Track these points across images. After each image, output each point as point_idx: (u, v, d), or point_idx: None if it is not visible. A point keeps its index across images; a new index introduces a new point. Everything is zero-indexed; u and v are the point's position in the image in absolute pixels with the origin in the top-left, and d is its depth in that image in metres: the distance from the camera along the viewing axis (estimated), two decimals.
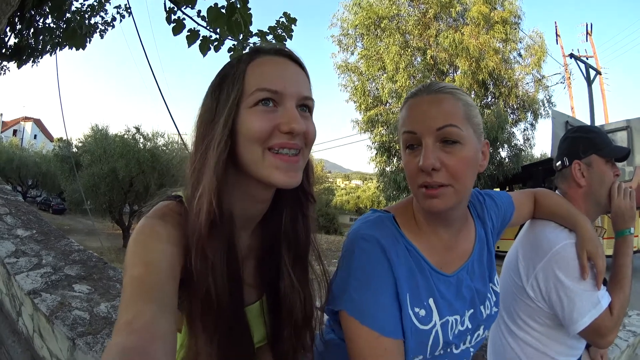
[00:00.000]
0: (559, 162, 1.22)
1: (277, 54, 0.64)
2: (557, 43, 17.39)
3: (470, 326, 0.82)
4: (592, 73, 15.41)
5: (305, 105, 0.64)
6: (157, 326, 0.45)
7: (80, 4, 4.46)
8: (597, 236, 1.02)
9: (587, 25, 17.90)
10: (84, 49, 4.53)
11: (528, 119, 13.77)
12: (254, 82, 0.60)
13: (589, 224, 1.04)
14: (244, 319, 0.66)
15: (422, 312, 0.74)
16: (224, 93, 0.61)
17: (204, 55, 3.13)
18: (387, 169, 13.31)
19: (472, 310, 0.82)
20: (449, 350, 0.79)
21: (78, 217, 19.15)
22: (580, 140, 1.19)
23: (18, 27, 4.45)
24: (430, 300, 0.76)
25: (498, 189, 14.50)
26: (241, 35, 2.97)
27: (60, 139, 18.87)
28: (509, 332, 1.17)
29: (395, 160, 12.95)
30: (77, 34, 4.27)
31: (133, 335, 0.43)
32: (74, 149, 16.91)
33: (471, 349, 0.85)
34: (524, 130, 13.91)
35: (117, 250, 13.69)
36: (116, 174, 13.99)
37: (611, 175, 1.16)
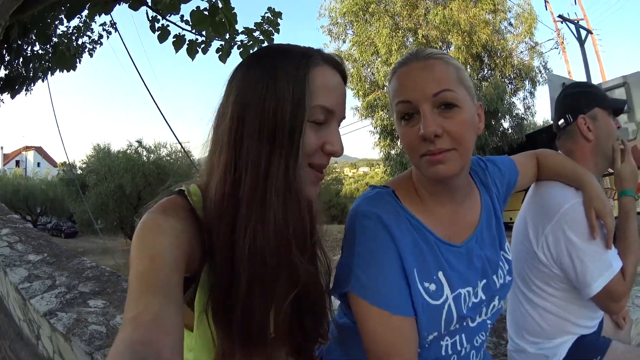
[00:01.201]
0: (562, 120, 1.18)
1: (335, 66, 0.63)
2: (546, 9, 17.29)
3: (484, 297, 0.79)
4: (584, 33, 15.31)
5: (341, 120, 0.65)
6: (164, 319, 0.45)
7: (66, 27, 4.44)
8: (604, 193, 1.00)
9: None
10: (74, 69, 4.52)
11: (526, 88, 13.75)
12: (316, 95, 0.58)
13: (595, 181, 1.02)
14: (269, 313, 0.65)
15: (433, 287, 0.72)
16: (286, 90, 0.57)
17: (192, 59, 3.16)
18: (392, 152, 13.29)
19: (484, 281, 0.80)
20: (464, 324, 0.77)
21: (91, 238, 19.25)
22: (582, 95, 1.17)
23: (7, 58, 4.44)
24: (440, 274, 0.74)
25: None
26: (227, 34, 2.97)
27: (63, 163, 18.99)
28: (527, 300, 1.15)
29: (399, 143, 12.92)
30: (65, 56, 4.27)
31: (140, 329, 0.43)
32: (79, 171, 17.03)
33: (488, 321, 0.83)
34: (524, 99, 13.91)
35: None
36: (123, 189, 14.11)
37: (614, 127, 1.15)
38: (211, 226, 0.58)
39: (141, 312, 0.45)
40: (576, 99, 1.18)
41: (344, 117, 0.64)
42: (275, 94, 0.57)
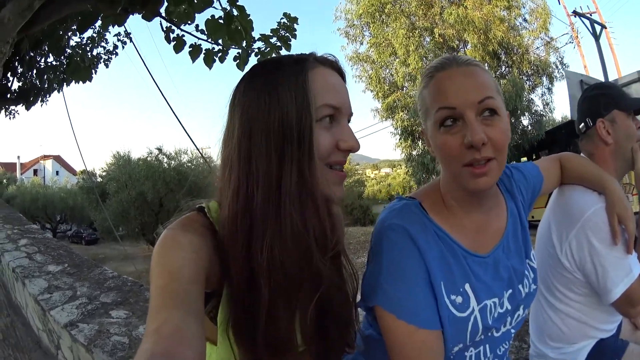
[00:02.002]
0: (582, 124, 1.19)
1: (333, 66, 0.64)
2: (559, 3, 17.11)
3: (509, 307, 0.78)
4: (598, 28, 15.13)
5: (349, 116, 0.65)
6: (185, 331, 0.46)
7: (80, 37, 4.43)
8: (625, 198, 1.00)
9: None
10: (90, 80, 4.47)
11: (544, 84, 13.68)
12: (319, 96, 0.59)
13: (617, 185, 1.02)
14: (294, 325, 0.65)
15: (459, 299, 0.71)
16: (288, 99, 0.58)
17: (210, 68, 3.13)
18: (414, 153, 13.31)
19: (510, 291, 0.79)
20: (489, 334, 0.77)
21: (112, 245, 19.51)
22: (599, 98, 1.17)
23: (19, 70, 4.44)
24: (467, 286, 0.73)
25: (525, 158, 14.36)
26: (244, 42, 2.95)
27: (83, 171, 19.28)
28: (549, 306, 1.15)
29: (420, 144, 12.93)
30: (80, 67, 4.22)
31: (161, 341, 0.44)
32: (99, 179, 17.28)
33: (512, 330, 0.82)
34: (542, 95, 13.84)
35: None
36: (144, 196, 14.24)
37: (634, 128, 1.14)
38: (226, 244, 0.58)
39: (162, 325, 0.45)
40: (595, 102, 1.17)
41: (351, 113, 0.64)
42: (279, 104, 0.57)
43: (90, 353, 1.89)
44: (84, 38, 4.51)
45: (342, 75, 0.65)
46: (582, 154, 1.23)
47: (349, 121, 0.64)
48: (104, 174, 17.03)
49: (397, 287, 0.68)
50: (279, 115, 0.57)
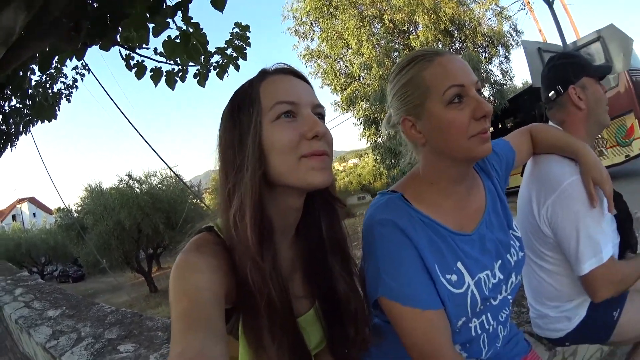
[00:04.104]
0: (552, 92, 1.21)
1: (282, 72, 0.68)
2: None
3: (502, 277, 0.84)
4: None
5: (319, 114, 0.67)
6: (208, 353, 0.46)
7: (38, 76, 4.37)
8: (600, 161, 1.03)
9: None
10: (55, 118, 4.47)
11: (500, 53, 13.76)
12: (271, 98, 0.63)
13: (590, 149, 1.05)
14: (298, 328, 0.68)
15: (454, 277, 0.77)
16: (244, 114, 0.63)
17: (173, 89, 3.12)
18: (379, 140, 13.32)
19: (500, 261, 0.84)
20: (488, 304, 0.82)
21: (99, 278, 19.20)
22: (568, 66, 1.20)
23: None
24: (459, 264, 0.78)
25: (491, 129, 14.51)
26: (202, 58, 2.94)
27: (59, 209, 18.87)
28: (541, 269, 1.18)
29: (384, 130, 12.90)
30: (44, 107, 4.22)
31: None
32: (75, 214, 16.92)
33: (509, 297, 0.88)
34: (500, 65, 13.93)
35: (145, 298, 13.76)
36: (122, 225, 13.98)
37: (602, 92, 1.19)
38: (237, 255, 0.60)
39: (185, 349, 0.46)
40: (564, 70, 1.20)
41: (315, 104, 0.67)
42: (238, 123, 0.63)
43: None
44: (43, 76, 4.44)
45: (297, 76, 0.69)
46: (550, 122, 1.25)
47: (322, 115, 0.68)
48: (79, 208, 16.64)
49: (396, 278, 0.73)
50: (237, 130, 0.63)
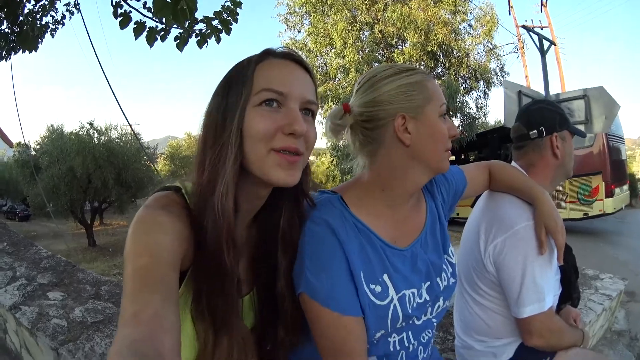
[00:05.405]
0: (534, 131, 1.21)
1: (285, 57, 0.67)
2: (509, 14, 17.65)
3: (428, 298, 0.84)
4: (547, 44, 15.73)
5: (309, 110, 0.67)
6: (165, 317, 0.45)
7: (32, 5, 4.31)
8: (556, 211, 1.02)
9: None
10: (36, 50, 4.41)
11: (480, 88, 13.99)
12: (262, 82, 0.63)
13: (548, 197, 1.05)
14: (239, 301, 0.69)
15: (378, 288, 0.77)
16: (233, 92, 0.63)
17: (151, 47, 3.13)
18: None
19: (428, 283, 0.85)
20: (410, 322, 0.82)
21: (43, 222, 18.72)
22: (556, 114, 1.21)
23: None
24: (385, 276, 0.78)
25: (453, 157, 14.73)
26: (187, 22, 2.95)
27: (19, 144, 18.31)
28: (475, 302, 1.17)
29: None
30: (29, 36, 4.14)
31: (141, 327, 0.43)
32: (33, 152, 16.48)
33: (433, 320, 0.88)
34: (477, 98, 14.14)
35: (83, 250, 13.53)
36: (74, 172, 13.70)
37: (573, 149, 1.24)
38: (200, 216, 0.60)
39: (141, 310, 0.44)
40: (552, 116, 1.21)
41: (306, 99, 0.66)
42: (227, 96, 0.63)
43: (34, 337, 1.89)
44: (36, 5, 4.36)
45: (301, 65, 0.68)
46: (514, 162, 1.25)
47: (313, 114, 0.68)
48: (37, 147, 16.23)
49: (319, 277, 0.72)
50: (223, 105, 0.63)
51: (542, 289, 1.01)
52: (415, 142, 0.80)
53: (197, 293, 0.62)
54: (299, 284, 0.74)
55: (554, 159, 1.19)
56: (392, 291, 0.78)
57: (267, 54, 0.67)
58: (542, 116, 1.22)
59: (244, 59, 0.67)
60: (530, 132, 1.22)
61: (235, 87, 0.63)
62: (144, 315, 0.44)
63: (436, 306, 0.87)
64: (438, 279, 0.87)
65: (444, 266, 0.90)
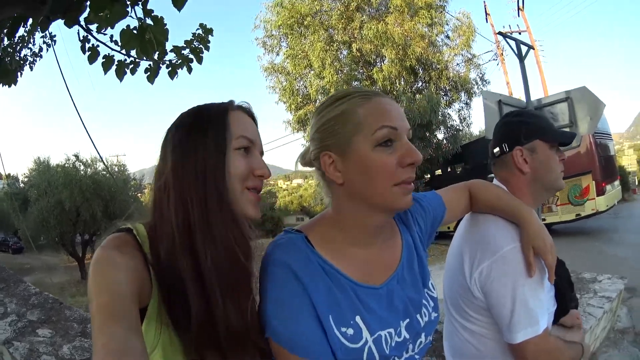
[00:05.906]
0: (497, 149, 1.15)
1: (245, 110, 0.78)
2: (487, 22, 17.80)
3: (408, 336, 0.78)
4: (525, 48, 15.82)
5: (261, 153, 0.79)
6: (131, 345, 0.50)
7: (10, 41, 4.21)
8: (544, 228, 0.96)
9: (517, 0, 18.33)
10: (15, 84, 4.28)
11: (462, 99, 14.07)
12: (238, 130, 0.72)
13: (535, 215, 0.99)
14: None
15: (350, 331, 0.71)
16: (209, 136, 0.70)
17: (121, 80, 3.08)
18: None
19: (407, 320, 0.79)
20: None
21: (35, 255, 18.63)
22: (522, 125, 1.12)
23: None
24: (357, 318, 0.73)
25: (439, 171, 14.77)
26: (156, 54, 2.89)
27: (8, 176, 18.29)
28: (464, 328, 1.11)
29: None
30: (8, 71, 4.07)
31: (111, 355, 0.48)
32: (21, 185, 16.49)
33: (416, 356, 0.82)
34: (459, 110, 14.24)
35: (76, 284, 13.45)
36: (62, 205, 13.72)
37: (556, 160, 1.12)
38: (168, 255, 0.65)
39: (109, 340, 0.49)
40: (516, 128, 1.13)
41: (262, 152, 0.78)
42: (206, 137, 0.69)
43: None
44: (15, 38, 4.28)
45: (254, 119, 0.79)
46: (495, 180, 1.18)
47: (262, 155, 0.77)
48: (26, 179, 16.25)
49: (285, 324, 0.69)
50: (203, 146, 0.68)
51: (534, 313, 0.95)
52: (347, 181, 0.73)
53: (179, 323, 0.66)
54: (265, 327, 0.71)
55: (521, 174, 1.11)
56: (365, 333, 0.72)
57: (233, 103, 0.77)
58: (505, 131, 1.16)
59: (211, 106, 0.75)
60: (494, 150, 1.17)
61: (212, 131, 0.70)
62: (113, 345, 0.49)
63: (417, 342, 0.81)
64: (418, 316, 0.81)
65: (424, 301, 0.84)
